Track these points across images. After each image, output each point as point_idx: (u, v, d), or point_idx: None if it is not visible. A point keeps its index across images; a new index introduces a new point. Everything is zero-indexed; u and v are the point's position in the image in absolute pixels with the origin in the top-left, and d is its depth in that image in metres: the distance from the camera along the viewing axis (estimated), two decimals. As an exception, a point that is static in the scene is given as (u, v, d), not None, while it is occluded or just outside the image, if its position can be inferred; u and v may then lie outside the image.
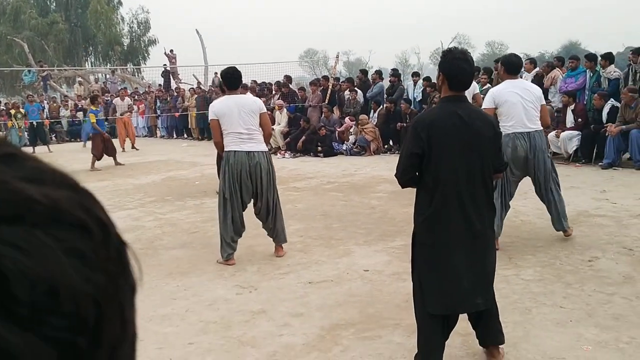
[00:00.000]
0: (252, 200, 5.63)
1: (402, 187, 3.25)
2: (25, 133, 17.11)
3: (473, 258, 3.05)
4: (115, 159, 14.07)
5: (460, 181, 3.01)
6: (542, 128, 5.57)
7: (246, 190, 5.45)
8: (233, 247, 5.56)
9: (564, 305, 4.18)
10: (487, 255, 3.12)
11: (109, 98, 21.41)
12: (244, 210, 5.61)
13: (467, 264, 3.04)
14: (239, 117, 5.32)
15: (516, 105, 5.39)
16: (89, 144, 15.14)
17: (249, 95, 5.70)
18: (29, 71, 27.41)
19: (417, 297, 3.23)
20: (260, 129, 5.53)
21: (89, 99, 18.05)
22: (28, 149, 16.53)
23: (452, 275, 3.04)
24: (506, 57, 6.01)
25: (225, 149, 5.42)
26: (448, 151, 3.01)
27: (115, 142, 16.76)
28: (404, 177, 3.14)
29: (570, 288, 4.50)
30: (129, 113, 17.91)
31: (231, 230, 5.49)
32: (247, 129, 5.34)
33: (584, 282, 4.62)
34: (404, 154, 3.13)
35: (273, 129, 15.33)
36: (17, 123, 16.73)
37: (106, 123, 14.45)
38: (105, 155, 13.75)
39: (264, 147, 5.53)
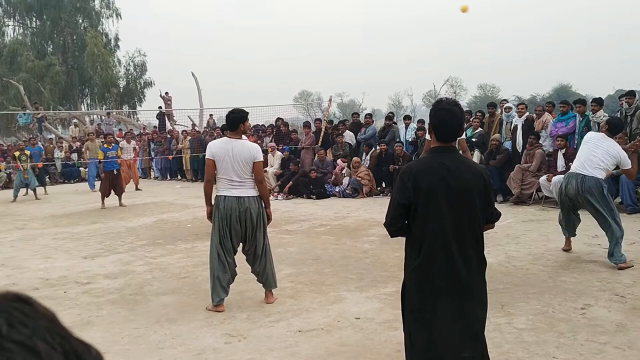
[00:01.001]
0: (241, 245, 5.64)
1: (392, 237, 3.23)
2: (31, 175, 17.08)
3: (460, 309, 3.01)
4: (120, 199, 14.10)
5: (448, 233, 2.98)
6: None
7: (235, 235, 5.48)
8: (226, 290, 5.53)
9: (556, 355, 4.12)
10: (476, 308, 3.07)
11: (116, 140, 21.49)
12: (234, 254, 5.60)
13: (454, 316, 2.99)
14: (232, 165, 5.37)
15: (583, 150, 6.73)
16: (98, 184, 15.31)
17: (246, 140, 5.68)
18: (24, 113, 27.53)
19: (407, 349, 3.19)
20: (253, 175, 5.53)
21: (93, 137, 18.21)
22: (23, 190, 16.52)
23: (439, 327, 3.00)
24: (612, 119, 7.23)
25: (217, 193, 5.48)
26: (435, 203, 2.99)
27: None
28: (392, 227, 3.13)
29: (563, 337, 4.45)
30: (133, 156, 18.04)
31: (227, 270, 5.48)
32: (239, 176, 5.40)
33: (577, 331, 4.58)
34: (392, 204, 3.12)
35: (266, 171, 15.44)
36: (22, 165, 16.71)
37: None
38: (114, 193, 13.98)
39: (254, 192, 5.52)
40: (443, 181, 3.00)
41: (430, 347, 3.01)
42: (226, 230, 5.44)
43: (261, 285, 5.78)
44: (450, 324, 2.98)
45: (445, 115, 3.10)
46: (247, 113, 5.71)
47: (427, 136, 8.30)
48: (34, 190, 17.14)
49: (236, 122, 5.54)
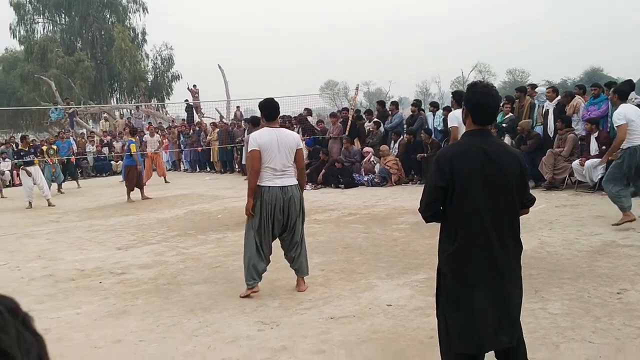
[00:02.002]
0: (280, 235, 5.69)
1: (426, 222, 3.21)
2: (59, 169, 17.42)
3: (498, 295, 2.98)
4: (142, 192, 14.32)
5: (485, 217, 2.95)
6: None
7: (277, 224, 5.52)
8: (260, 277, 5.62)
9: (593, 340, 4.06)
10: (513, 292, 3.04)
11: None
12: (273, 241, 5.67)
13: (491, 300, 2.97)
14: (279, 153, 5.38)
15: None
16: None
17: (286, 129, 5.74)
18: (56, 109, 28.03)
19: (443, 335, 3.16)
20: (294, 164, 5.59)
21: (128, 130, 18.46)
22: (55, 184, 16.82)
23: (477, 312, 2.97)
24: (619, 86, 7.94)
25: (260, 184, 5.44)
26: (472, 186, 2.95)
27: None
28: (428, 212, 3.09)
29: (599, 322, 4.38)
30: (159, 150, 18.28)
31: (263, 259, 5.57)
32: (283, 165, 5.42)
33: (613, 315, 4.50)
34: (428, 188, 3.08)
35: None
36: (52, 159, 17.04)
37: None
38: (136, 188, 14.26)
39: (295, 181, 5.57)
40: (481, 165, 2.96)
41: (469, 333, 2.99)
42: (269, 221, 5.46)
43: (293, 273, 5.82)
44: (488, 309, 2.96)
45: (483, 97, 3.05)
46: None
47: (450, 125, 8.26)
48: (59, 184, 17.45)
49: (276, 111, 5.60)
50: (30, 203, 13.92)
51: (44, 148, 17.79)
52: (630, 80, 8.56)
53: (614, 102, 7.49)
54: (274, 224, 5.50)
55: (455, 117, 7.93)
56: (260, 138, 5.42)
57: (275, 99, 5.71)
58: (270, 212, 5.42)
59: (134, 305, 5.63)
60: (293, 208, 5.49)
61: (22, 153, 14.65)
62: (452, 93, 9.38)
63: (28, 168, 14.09)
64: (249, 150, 5.56)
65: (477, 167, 2.96)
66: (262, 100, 5.73)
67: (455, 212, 3.00)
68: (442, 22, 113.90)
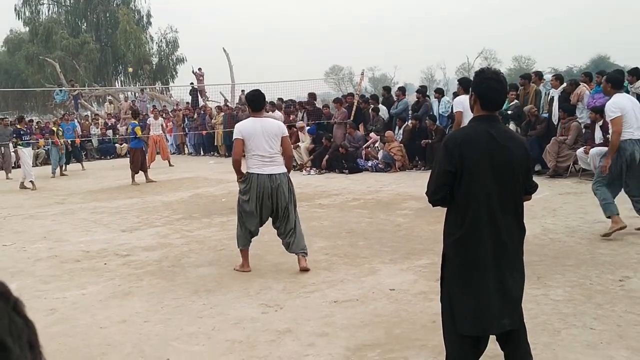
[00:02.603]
0: (272, 220, 5.90)
1: (433, 206, 3.23)
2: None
3: (502, 278, 3.02)
4: (146, 175, 14.37)
5: (492, 201, 2.99)
6: None
7: (265, 211, 5.77)
8: (249, 239, 5.95)
9: (594, 326, 4.10)
10: (516, 276, 3.09)
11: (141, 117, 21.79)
12: (261, 226, 5.94)
13: (496, 284, 3.01)
14: (263, 140, 5.63)
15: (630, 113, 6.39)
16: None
17: (272, 117, 5.97)
18: (61, 90, 28.02)
19: (447, 318, 3.19)
20: (282, 150, 5.80)
21: (130, 112, 18.45)
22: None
23: (483, 295, 3.01)
24: (611, 74, 7.09)
25: (248, 171, 5.73)
26: (480, 171, 2.99)
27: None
28: (436, 196, 3.12)
29: (601, 309, 4.41)
30: (161, 132, 18.29)
31: (248, 235, 5.91)
32: (269, 151, 5.65)
33: (615, 302, 4.53)
34: (436, 172, 3.11)
35: (299, 146, 15.49)
36: (60, 140, 17.09)
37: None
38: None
39: (284, 169, 5.80)
40: (488, 150, 3.00)
41: (475, 316, 3.03)
42: (257, 207, 5.70)
43: (295, 258, 5.90)
44: (493, 292, 3.01)
45: (492, 83, 3.09)
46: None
47: (455, 110, 8.30)
48: (62, 166, 17.53)
49: (261, 103, 5.87)
50: (33, 183, 14.09)
51: (54, 128, 17.82)
52: (621, 70, 8.18)
53: (608, 92, 6.78)
54: (262, 210, 5.73)
55: (461, 103, 7.96)
56: (242, 127, 5.72)
57: (261, 91, 6.00)
58: (259, 198, 5.66)
59: (139, 286, 5.68)
60: (282, 195, 5.69)
61: (21, 132, 14.66)
62: (459, 80, 9.39)
63: (25, 149, 14.23)
64: (233, 138, 5.86)
65: (486, 152, 3.00)
66: (249, 91, 6.03)
67: (463, 197, 3.03)
68: (450, 7, 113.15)
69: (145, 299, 5.29)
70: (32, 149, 20.72)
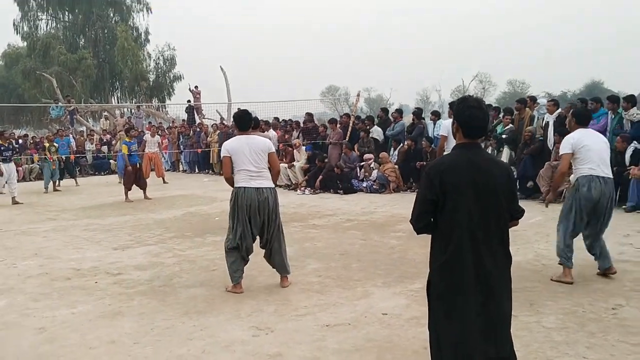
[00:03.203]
0: (259, 237, 5.99)
1: (418, 234, 3.24)
2: (56, 166, 17.39)
3: (487, 306, 3.01)
4: (145, 192, 14.35)
5: (475, 228, 3.00)
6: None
7: (255, 224, 5.84)
8: (240, 273, 5.96)
9: (587, 355, 4.08)
10: (503, 303, 3.08)
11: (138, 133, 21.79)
12: (253, 242, 5.97)
13: (481, 311, 3.00)
14: (250, 156, 5.80)
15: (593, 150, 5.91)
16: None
17: (266, 136, 6.07)
18: (57, 106, 28.01)
19: (434, 343, 3.18)
20: (269, 167, 5.95)
21: (123, 130, 18.42)
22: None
23: (467, 322, 3.00)
24: (577, 109, 6.57)
25: (236, 185, 5.86)
26: (462, 198, 3.00)
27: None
28: (419, 224, 3.14)
29: (594, 337, 4.40)
30: (157, 149, 18.28)
31: (236, 259, 5.90)
32: (256, 167, 5.81)
33: (608, 331, 4.51)
34: (419, 200, 3.14)
35: (294, 165, 15.50)
36: (52, 156, 17.03)
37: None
38: (136, 186, 14.25)
39: (271, 184, 5.94)
40: (470, 177, 3.01)
41: (460, 343, 3.01)
42: (246, 220, 5.80)
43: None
44: (478, 319, 2.99)
45: (474, 112, 3.11)
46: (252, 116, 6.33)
47: (440, 134, 8.32)
48: (54, 182, 17.46)
49: (247, 122, 6.04)
50: (13, 198, 14.12)
51: (46, 144, 17.76)
52: (587, 108, 7.53)
53: (571, 127, 6.38)
54: (252, 223, 5.82)
55: (446, 127, 8.00)
56: (229, 145, 5.90)
57: (248, 111, 6.33)
58: (247, 211, 5.77)
59: (129, 306, 5.63)
60: (268, 209, 5.82)
61: (1, 148, 14.54)
62: (450, 104, 9.39)
63: (4, 165, 14.16)
64: (221, 157, 6.01)
65: (467, 179, 3.01)
66: (236, 111, 6.29)
67: (446, 224, 3.04)
68: (445, 30, 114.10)
69: (135, 319, 5.23)
70: (27, 164, 20.76)
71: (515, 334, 4.31)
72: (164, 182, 18.11)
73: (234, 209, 5.84)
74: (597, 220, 5.95)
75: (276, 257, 6.04)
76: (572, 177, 6.20)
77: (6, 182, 14.36)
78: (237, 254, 5.89)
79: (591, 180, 5.86)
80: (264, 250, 6.12)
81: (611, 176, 6.01)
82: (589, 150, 5.89)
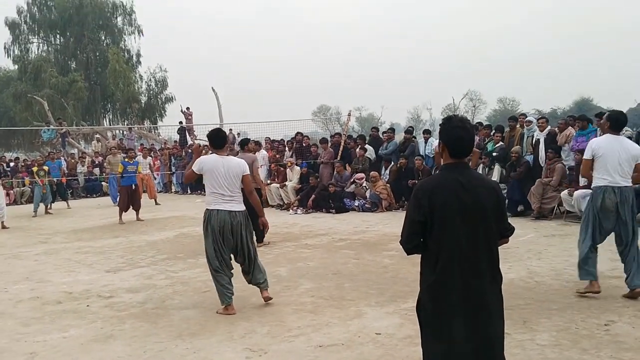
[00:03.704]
0: (233, 256, 6.07)
1: (408, 254, 3.24)
2: (48, 190, 17.31)
3: (477, 326, 3.00)
4: (137, 214, 14.32)
5: (463, 248, 3.00)
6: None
7: (228, 245, 5.91)
8: (231, 290, 5.96)
9: (580, 372, 4.08)
10: (494, 323, 3.06)
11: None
12: (229, 266, 6.04)
13: (470, 331, 2.99)
14: (225, 180, 5.87)
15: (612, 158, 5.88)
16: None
17: (233, 157, 6.30)
18: (48, 128, 27.99)
19: None
20: (241, 189, 6.05)
21: (111, 152, 18.42)
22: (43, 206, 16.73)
23: (456, 343, 2.99)
24: (614, 113, 6.30)
25: (208, 207, 5.92)
26: (450, 218, 3.01)
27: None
28: (409, 245, 3.15)
29: (587, 354, 4.40)
30: (149, 171, 18.30)
31: (222, 280, 5.93)
32: (230, 190, 5.89)
33: (601, 347, 4.52)
34: (407, 221, 3.14)
35: (285, 185, 15.51)
36: (43, 179, 16.95)
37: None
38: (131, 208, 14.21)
39: (243, 207, 6.01)
40: (457, 197, 3.01)
41: None
42: (220, 241, 5.86)
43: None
44: (467, 340, 2.98)
45: (459, 132, 3.12)
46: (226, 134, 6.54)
47: (435, 149, 8.34)
48: (47, 206, 17.40)
49: (222, 141, 6.12)
50: (2, 223, 13.99)
51: (35, 169, 17.70)
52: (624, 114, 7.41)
53: (603, 130, 6.31)
54: (225, 244, 5.88)
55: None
56: (206, 163, 5.93)
57: (222, 129, 6.48)
58: (220, 232, 5.83)
59: (122, 329, 5.59)
60: (241, 232, 5.91)
61: None
62: (441, 124, 9.40)
63: None
64: (192, 167, 6.09)
65: (455, 200, 3.01)
66: (210, 130, 6.33)
67: (434, 244, 3.05)
68: (435, 49, 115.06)
69: (128, 342, 5.19)
70: (18, 187, 20.66)
71: (509, 352, 4.30)
72: (156, 203, 18.08)
73: (206, 230, 5.91)
74: (622, 229, 5.91)
75: (260, 279, 6.13)
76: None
77: None
78: (220, 274, 5.92)
79: (605, 190, 5.87)
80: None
81: (629, 184, 5.89)
82: (606, 160, 5.86)
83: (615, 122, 6.03)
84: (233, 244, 5.91)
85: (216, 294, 6.11)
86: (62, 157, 23.09)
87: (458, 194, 3.02)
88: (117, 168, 16.99)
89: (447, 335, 3.01)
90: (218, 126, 28.60)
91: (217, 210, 5.83)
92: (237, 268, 6.11)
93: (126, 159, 14.85)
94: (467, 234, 3.00)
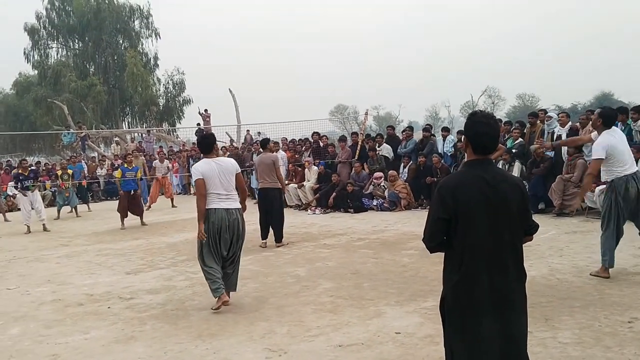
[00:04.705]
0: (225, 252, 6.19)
1: (431, 252, 3.19)
2: (72, 193, 17.55)
3: (503, 324, 2.96)
4: (141, 218, 14.36)
5: (488, 246, 2.95)
6: None
7: (224, 243, 6.10)
8: (221, 282, 6.11)
9: (604, 370, 4.02)
10: (517, 322, 3.02)
11: (148, 158, 21.97)
12: (222, 259, 6.20)
13: (496, 330, 2.95)
14: (219, 179, 6.08)
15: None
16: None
17: (224, 157, 6.64)
18: (68, 132, 28.31)
19: None
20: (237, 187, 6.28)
21: (123, 157, 18.63)
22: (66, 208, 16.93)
23: (482, 342, 2.95)
24: (605, 110, 6.69)
25: (207, 207, 6.06)
26: (475, 216, 2.96)
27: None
28: (432, 243, 3.09)
29: (610, 352, 4.33)
30: (167, 174, 18.47)
31: (215, 273, 6.09)
32: (226, 189, 6.11)
33: (624, 345, 4.45)
34: (431, 219, 3.08)
35: (303, 185, 15.51)
36: (65, 184, 17.18)
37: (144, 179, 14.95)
38: (131, 214, 14.15)
39: (239, 205, 6.24)
40: (482, 195, 2.96)
41: None
42: (217, 239, 6.05)
43: (301, 299, 5.91)
44: (493, 339, 2.94)
45: (483, 127, 3.06)
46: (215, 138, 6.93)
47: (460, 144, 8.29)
48: (74, 208, 17.65)
49: (209, 146, 6.33)
50: (28, 227, 14.08)
51: (58, 173, 17.91)
52: (612, 108, 7.61)
53: (597, 127, 6.47)
54: (221, 244, 6.07)
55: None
56: (201, 168, 6.11)
57: (211, 134, 6.96)
58: (217, 230, 6.02)
59: (142, 330, 5.62)
60: (237, 228, 6.11)
61: (21, 177, 14.66)
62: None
63: (26, 192, 14.27)
64: (194, 179, 6.29)
65: (480, 197, 2.96)
66: (199, 135, 6.58)
67: (459, 242, 2.99)
68: (452, 49, 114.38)
69: (148, 343, 5.23)
70: (40, 191, 20.94)
71: (530, 350, 4.25)
72: (173, 205, 18.17)
73: (206, 229, 6.03)
74: None
75: (232, 275, 6.34)
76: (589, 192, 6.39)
77: (32, 209, 14.38)
78: (212, 268, 6.08)
79: (627, 181, 6.21)
80: (279, 272, 6.30)
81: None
82: (622, 152, 6.24)
83: (608, 118, 6.39)
84: (228, 240, 6.09)
85: (234, 295, 6.12)
86: (82, 161, 23.35)
87: (483, 190, 2.97)
88: (162, 172, 17.37)
89: (473, 333, 2.97)
90: (235, 127, 28.77)
91: (215, 208, 6.02)
92: (252, 269, 6.11)
93: (125, 165, 14.86)
94: (492, 232, 2.95)
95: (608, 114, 6.46)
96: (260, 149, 11.75)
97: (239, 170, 6.37)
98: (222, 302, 6.02)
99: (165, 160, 19.10)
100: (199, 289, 7.11)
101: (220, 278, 6.09)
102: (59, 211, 17.10)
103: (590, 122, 8.11)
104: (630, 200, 6.25)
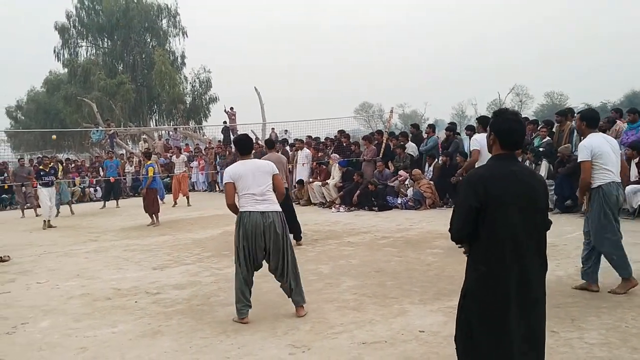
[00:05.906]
0: (265, 261, 5.82)
1: (457, 243, 3.23)
2: (65, 188, 18.10)
3: (527, 317, 3.01)
4: (157, 217, 14.30)
5: (517, 237, 3.00)
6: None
7: (259, 249, 5.67)
8: (250, 303, 5.73)
9: (630, 372, 3.97)
10: (542, 315, 3.09)
11: (171, 154, 22.24)
12: (256, 270, 5.84)
13: (519, 324, 2.99)
14: (254, 179, 5.70)
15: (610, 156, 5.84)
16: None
17: (258, 159, 6.23)
18: (97, 130, 28.75)
19: (466, 354, 3.17)
20: (274, 190, 5.84)
21: (143, 154, 18.93)
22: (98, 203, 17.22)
23: (506, 335, 2.98)
24: (586, 112, 6.45)
25: (241, 210, 5.74)
26: (505, 209, 3.00)
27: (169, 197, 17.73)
28: (461, 233, 3.12)
29: (637, 353, 4.27)
30: (185, 169, 18.64)
31: (242, 287, 5.72)
32: (260, 190, 5.69)
33: (653, 347, 4.39)
34: (461, 209, 3.11)
35: (327, 183, 15.53)
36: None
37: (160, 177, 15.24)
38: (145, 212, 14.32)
39: (277, 208, 5.77)
40: (513, 188, 3.03)
41: (501, 356, 2.99)
42: (251, 246, 5.64)
43: (324, 297, 5.90)
44: (518, 330, 2.98)
45: (512, 124, 3.16)
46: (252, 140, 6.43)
47: (472, 148, 8.21)
48: (69, 204, 18.42)
49: (247, 147, 5.98)
50: (45, 222, 14.58)
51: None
52: (594, 109, 7.05)
53: (582, 131, 6.13)
54: (256, 249, 5.65)
55: (478, 141, 7.89)
56: (232, 171, 5.80)
57: (248, 136, 6.35)
58: (252, 236, 5.61)
59: (168, 325, 5.71)
60: (275, 233, 5.63)
61: (42, 173, 15.02)
62: (477, 118, 9.21)
63: (45, 189, 14.63)
64: (224, 182, 5.95)
65: (510, 188, 3.02)
66: (236, 136, 6.28)
67: (488, 234, 3.03)
68: (480, 45, 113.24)
69: (174, 338, 5.30)
70: (69, 187, 21.37)
71: (556, 351, 4.24)
72: (188, 204, 18.30)
73: (238, 233, 5.73)
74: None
75: (288, 283, 5.77)
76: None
77: (51, 205, 14.78)
78: (241, 281, 5.72)
79: (617, 187, 5.85)
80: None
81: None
82: (609, 156, 5.79)
83: (591, 119, 6.07)
84: (264, 246, 5.67)
85: (259, 290, 6.14)
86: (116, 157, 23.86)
87: (513, 183, 3.04)
88: (180, 168, 17.97)
89: (499, 325, 3.00)
90: (260, 125, 28.92)
91: (250, 212, 5.65)
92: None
93: (107, 159, 15.37)
94: (521, 223, 3.01)
95: (590, 115, 6.19)
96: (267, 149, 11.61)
97: (276, 172, 5.93)
98: (242, 322, 5.62)
99: (182, 154, 19.30)
100: (224, 285, 7.18)
101: (247, 297, 5.70)
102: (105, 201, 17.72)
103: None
104: (617, 208, 5.91)
